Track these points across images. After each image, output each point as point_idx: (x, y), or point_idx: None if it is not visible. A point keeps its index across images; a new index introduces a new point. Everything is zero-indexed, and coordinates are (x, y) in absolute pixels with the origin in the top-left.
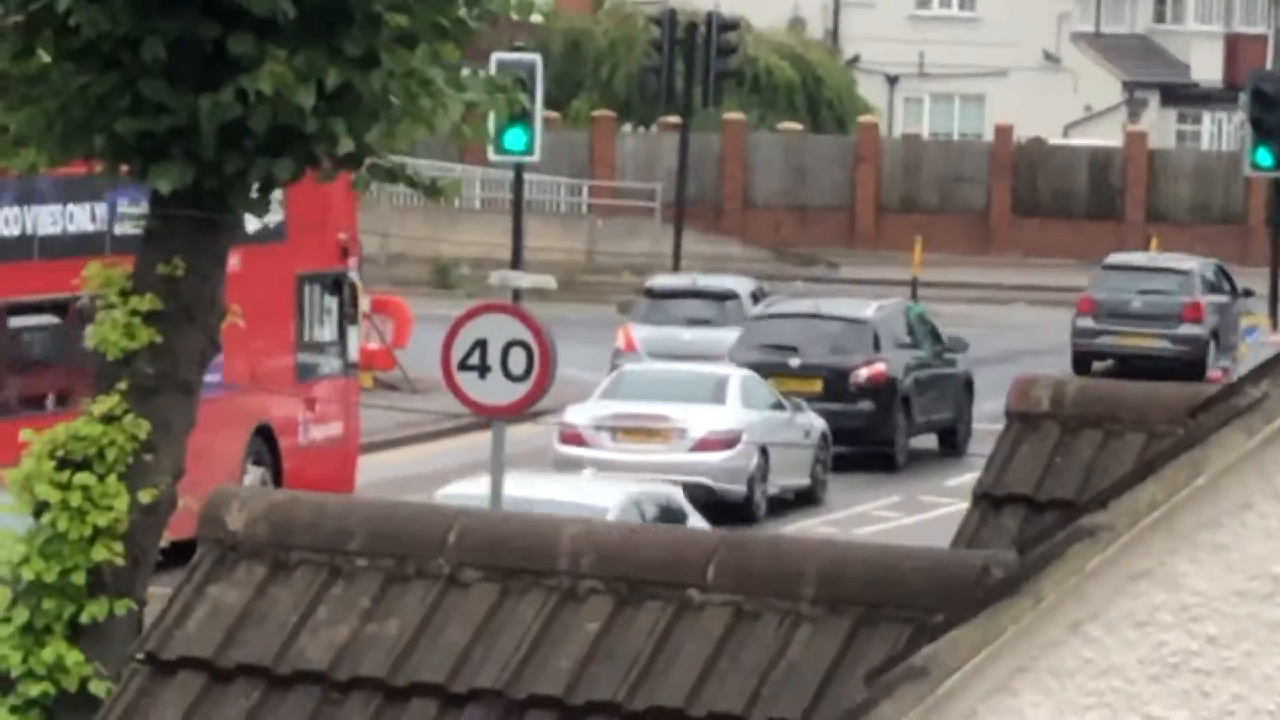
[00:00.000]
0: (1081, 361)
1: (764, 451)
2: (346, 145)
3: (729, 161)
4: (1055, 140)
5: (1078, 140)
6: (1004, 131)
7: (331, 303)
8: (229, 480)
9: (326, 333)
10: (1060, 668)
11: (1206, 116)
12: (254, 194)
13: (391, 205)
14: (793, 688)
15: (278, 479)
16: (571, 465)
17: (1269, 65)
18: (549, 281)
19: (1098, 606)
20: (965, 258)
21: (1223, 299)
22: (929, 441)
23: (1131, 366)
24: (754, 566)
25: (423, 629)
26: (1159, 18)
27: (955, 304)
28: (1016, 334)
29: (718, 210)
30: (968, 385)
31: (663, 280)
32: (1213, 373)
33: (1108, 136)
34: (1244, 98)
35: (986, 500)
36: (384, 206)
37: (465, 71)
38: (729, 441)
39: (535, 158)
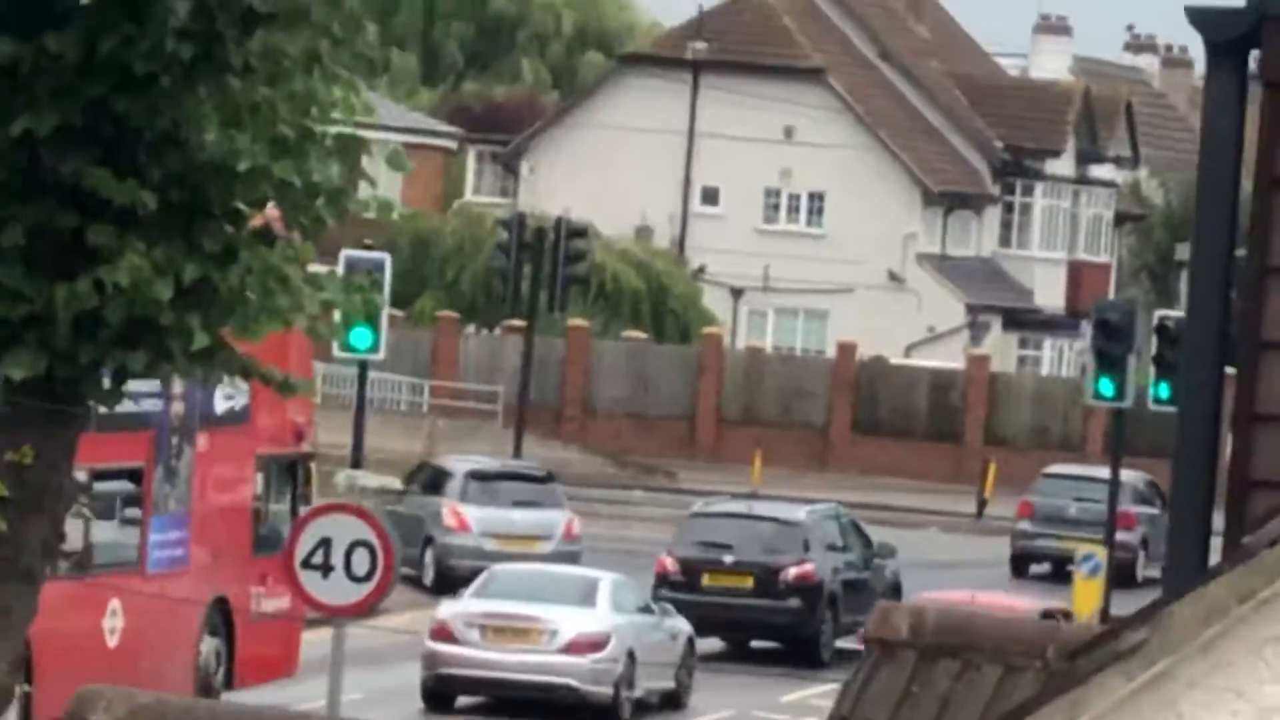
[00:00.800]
0: (1020, 562)
1: (631, 655)
2: (202, 340)
3: (572, 367)
4: (897, 360)
5: (920, 361)
6: (847, 348)
7: (287, 483)
8: (188, 649)
9: (281, 515)
10: None
11: (1048, 342)
12: (106, 385)
13: None
14: None
15: (231, 650)
16: (441, 662)
17: (1111, 294)
18: (394, 482)
19: None
20: (804, 473)
21: (1153, 510)
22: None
23: (1065, 570)
24: None
25: None
26: (1004, 242)
27: None
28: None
29: (558, 415)
30: (895, 588)
31: (486, 463)
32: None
33: (950, 358)
34: (1086, 326)
35: None
36: None
37: (321, 270)
38: (598, 644)
39: (380, 356)
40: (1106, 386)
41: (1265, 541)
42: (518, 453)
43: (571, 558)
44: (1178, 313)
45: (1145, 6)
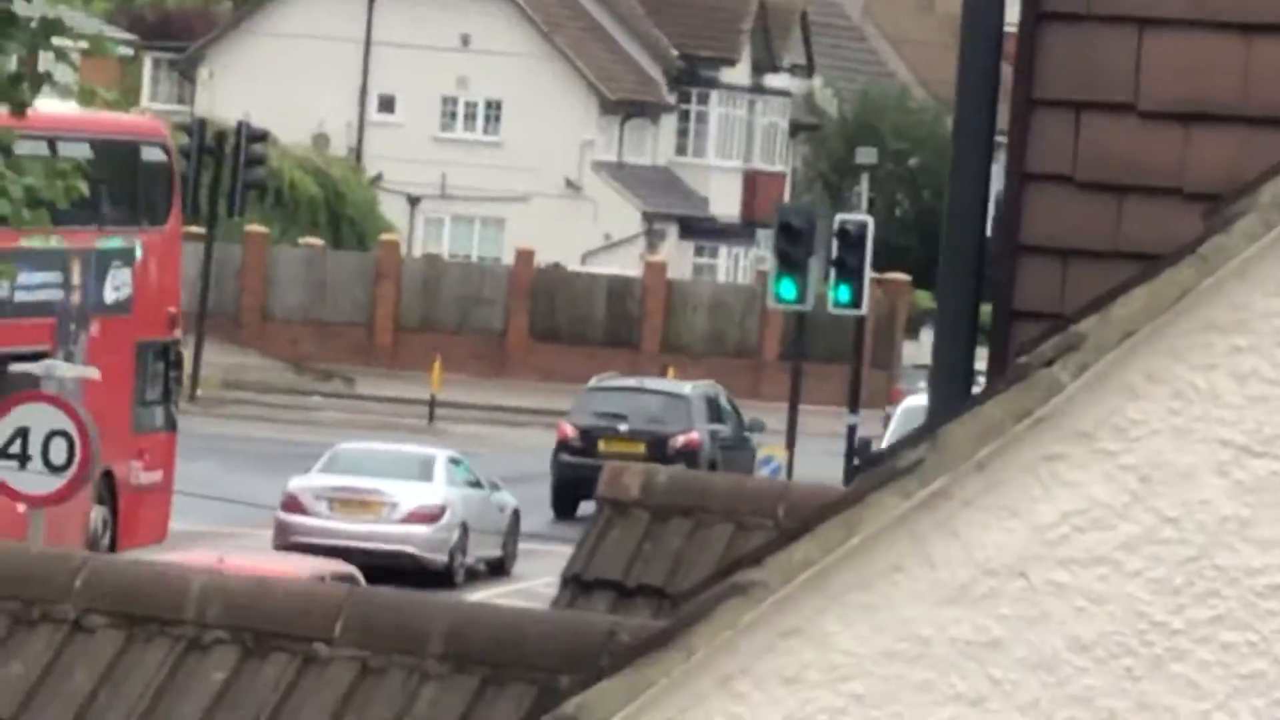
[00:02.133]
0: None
1: (464, 526)
2: None
3: (249, 274)
4: (575, 267)
5: (597, 268)
6: (524, 255)
7: (160, 367)
8: (80, 516)
9: (156, 392)
10: None
11: (724, 250)
12: None
13: None
14: None
15: (114, 517)
16: (290, 531)
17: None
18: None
19: (747, 662)
20: (482, 380)
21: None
22: None
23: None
24: (381, 623)
25: (47, 673)
26: (680, 150)
27: (470, 425)
28: (531, 456)
29: (236, 322)
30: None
31: None
32: None
33: (627, 266)
34: (761, 233)
35: (575, 583)
36: None
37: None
38: (434, 516)
39: None
40: (788, 289)
41: (1039, 362)
42: (197, 359)
43: None
44: (858, 216)
45: None
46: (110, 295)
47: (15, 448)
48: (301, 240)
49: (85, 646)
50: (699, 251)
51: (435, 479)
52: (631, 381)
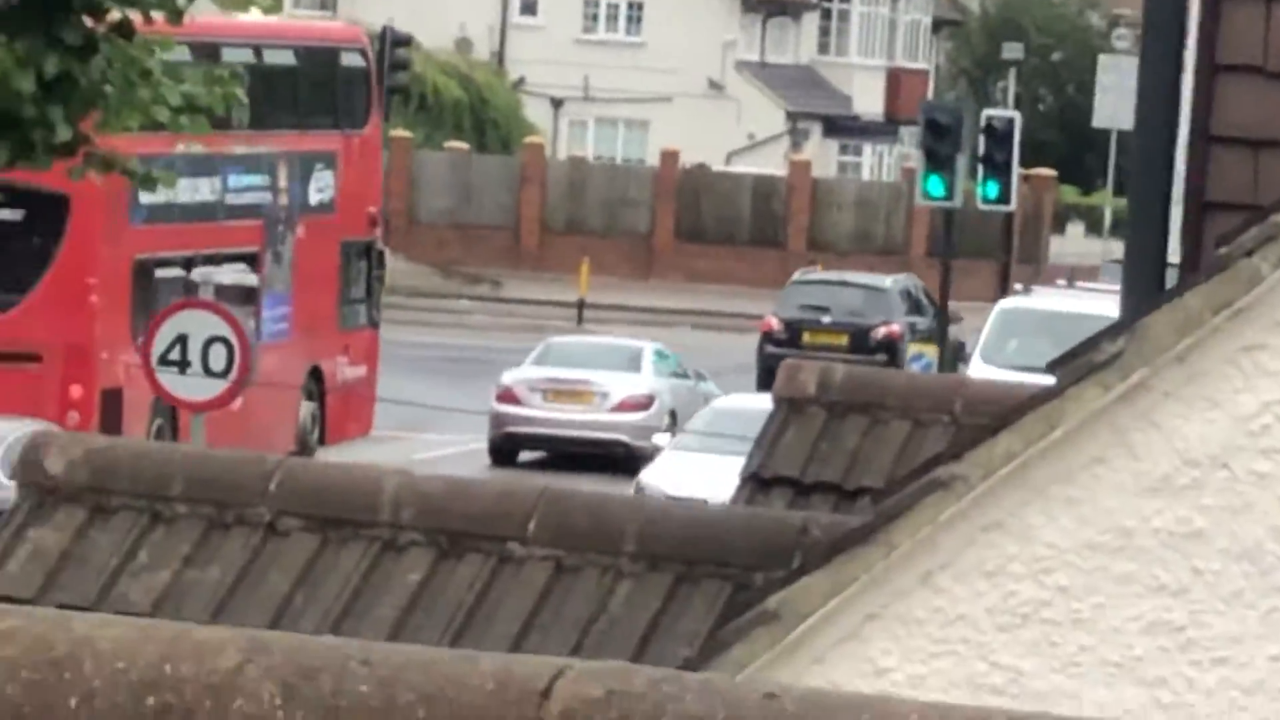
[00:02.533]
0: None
1: (672, 414)
2: (64, 133)
3: (394, 178)
4: (719, 167)
5: (742, 168)
6: (669, 156)
7: (362, 266)
8: (291, 411)
9: (359, 291)
10: (910, 616)
11: (868, 148)
12: None
13: None
14: (614, 641)
15: (323, 411)
16: (506, 422)
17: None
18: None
19: (949, 556)
20: (629, 281)
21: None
22: None
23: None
24: (574, 522)
25: (243, 576)
26: (823, 49)
27: (620, 325)
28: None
29: (383, 226)
30: (959, 349)
31: None
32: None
33: (771, 165)
34: (905, 131)
35: (754, 481)
36: None
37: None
38: (643, 404)
39: None
40: (936, 186)
41: (1240, 252)
42: None
43: None
44: (1005, 112)
45: None
46: (315, 197)
47: (175, 354)
48: (446, 144)
49: (280, 549)
50: (843, 150)
51: (643, 370)
52: (832, 275)
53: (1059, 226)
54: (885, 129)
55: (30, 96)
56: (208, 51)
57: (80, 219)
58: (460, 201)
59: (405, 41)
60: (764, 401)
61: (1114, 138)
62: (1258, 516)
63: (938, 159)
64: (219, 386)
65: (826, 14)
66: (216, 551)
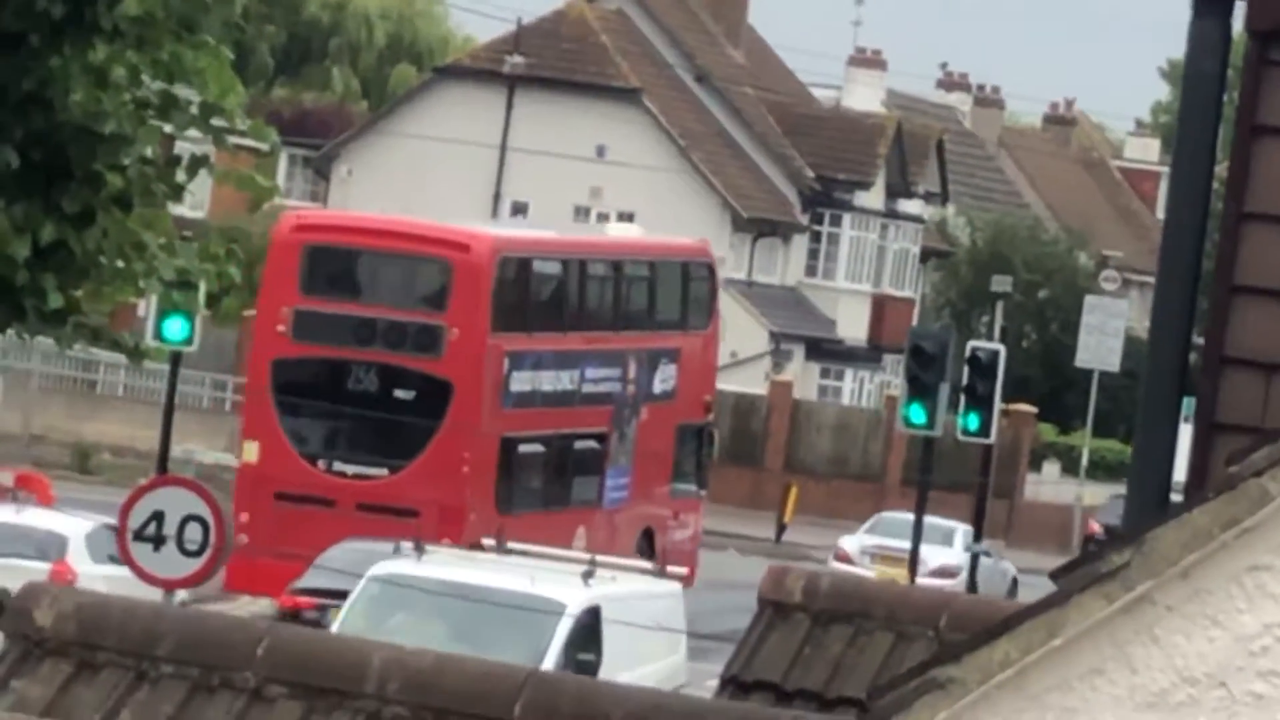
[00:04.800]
0: None
1: (974, 585)
2: (56, 301)
3: None
4: None
5: (723, 385)
6: None
7: (694, 444)
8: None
9: (690, 465)
10: None
11: (849, 373)
12: None
13: (40, 387)
14: None
15: None
16: None
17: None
18: (230, 458)
19: None
20: None
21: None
22: None
23: None
24: (560, 706)
25: None
26: (810, 272)
27: None
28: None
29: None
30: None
31: None
32: None
33: (752, 384)
34: (888, 358)
35: (734, 684)
36: (32, 387)
37: (177, 240)
38: (953, 573)
39: (194, 348)
40: (918, 414)
41: (1250, 472)
42: None
43: None
44: (991, 344)
45: (959, 46)
46: (658, 386)
47: (150, 530)
48: None
49: (264, 716)
50: (824, 373)
51: (955, 545)
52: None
53: (1035, 464)
54: (868, 354)
55: (24, 263)
56: (582, 264)
57: (460, 401)
58: None
59: None
60: None
61: (1096, 378)
62: None
63: (921, 386)
64: (193, 565)
65: (816, 237)
66: (199, 715)
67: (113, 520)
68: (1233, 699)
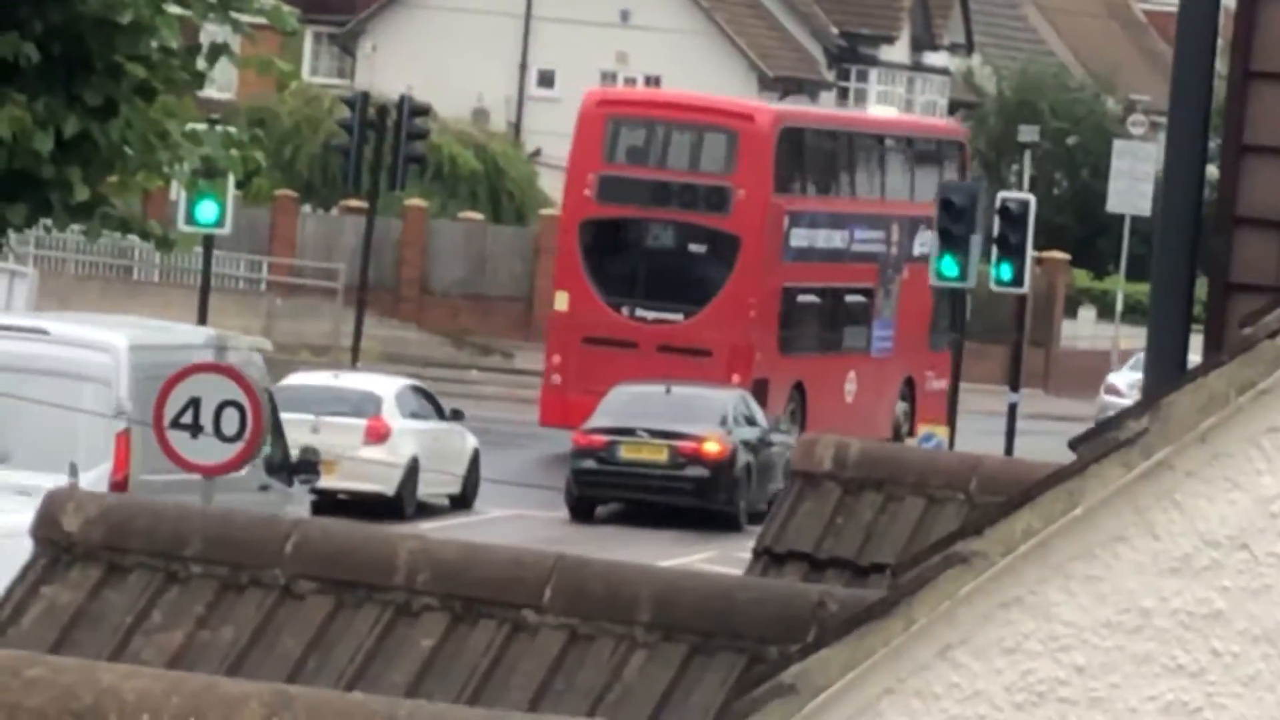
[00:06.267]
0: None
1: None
2: (82, 193)
3: (408, 247)
4: None
5: None
6: None
7: (946, 303)
8: (889, 408)
9: (944, 322)
10: (927, 691)
11: None
12: None
13: (76, 274)
14: (627, 712)
15: (913, 411)
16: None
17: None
18: (265, 342)
19: (968, 632)
20: None
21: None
22: None
23: None
24: (589, 590)
25: (256, 638)
26: None
27: None
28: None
29: (396, 296)
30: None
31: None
32: None
33: None
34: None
35: (767, 555)
36: (66, 275)
37: (202, 126)
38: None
39: (226, 230)
40: (950, 267)
41: (1265, 333)
42: (358, 333)
43: None
44: (1021, 194)
45: None
46: (917, 249)
47: (187, 417)
48: (461, 214)
49: (294, 612)
50: None
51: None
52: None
53: (1071, 311)
54: None
55: (49, 157)
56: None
57: (747, 255)
58: (474, 272)
59: (423, 111)
60: None
61: (1127, 223)
62: (1277, 599)
63: (953, 240)
64: (231, 450)
65: (843, 93)
66: (230, 613)
67: (417, 382)
68: (1256, 561)
